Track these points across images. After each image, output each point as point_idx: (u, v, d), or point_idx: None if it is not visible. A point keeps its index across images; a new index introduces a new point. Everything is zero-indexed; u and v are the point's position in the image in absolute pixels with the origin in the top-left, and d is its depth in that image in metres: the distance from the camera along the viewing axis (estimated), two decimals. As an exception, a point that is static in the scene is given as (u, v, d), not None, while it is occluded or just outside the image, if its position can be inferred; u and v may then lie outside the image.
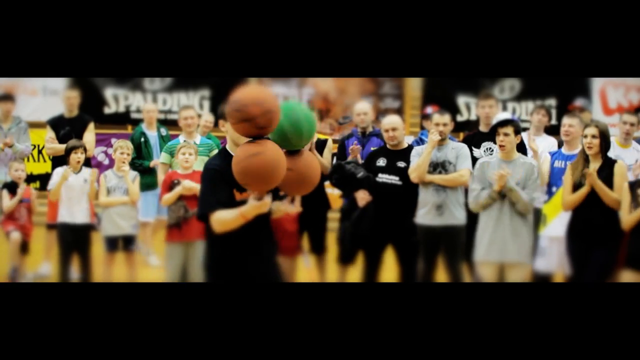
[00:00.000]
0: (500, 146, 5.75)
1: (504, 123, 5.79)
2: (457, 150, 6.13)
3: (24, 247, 7.22)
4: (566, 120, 6.36)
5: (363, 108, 6.98)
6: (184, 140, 6.88)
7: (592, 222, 5.52)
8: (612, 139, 5.96)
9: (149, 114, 8.66)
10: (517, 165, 5.65)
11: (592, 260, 5.47)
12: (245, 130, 3.79)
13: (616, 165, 5.56)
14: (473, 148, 6.51)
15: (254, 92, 3.81)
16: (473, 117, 12.59)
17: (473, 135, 6.89)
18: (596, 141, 5.56)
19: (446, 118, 6.22)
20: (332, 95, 12.66)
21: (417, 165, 6.04)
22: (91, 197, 6.74)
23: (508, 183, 5.53)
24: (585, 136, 5.63)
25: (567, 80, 11.63)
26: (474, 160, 6.18)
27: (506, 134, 5.69)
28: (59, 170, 6.77)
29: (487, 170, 5.73)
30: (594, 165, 5.57)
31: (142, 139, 8.36)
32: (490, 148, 6.46)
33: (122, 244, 6.72)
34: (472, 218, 5.93)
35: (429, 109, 8.15)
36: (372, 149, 6.72)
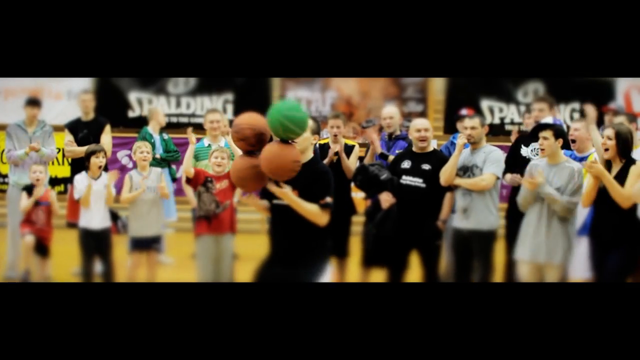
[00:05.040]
0: (541, 150, 5.83)
1: (542, 127, 5.84)
2: (487, 154, 6.15)
3: (43, 250, 7.23)
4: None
5: (390, 112, 7.02)
6: (217, 145, 6.87)
7: (609, 222, 5.49)
8: None
9: (165, 118, 8.86)
10: (562, 170, 5.68)
11: (609, 260, 5.44)
12: (241, 146, 4.80)
13: (632, 166, 5.50)
14: (522, 146, 6.63)
15: (249, 117, 4.78)
16: (496, 121, 12.55)
17: (526, 135, 6.91)
18: (611, 143, 5.52)
19: (475, 122, 6.23)
20: (356, 98, 12.65)
21: (444, 168, 6.11)
22: (108, 202, 6.75)
23: (543, 189, 5.56)
24: (603, 137, 5.62)
25: (592, 83, 11.56)
26: (521, 158, 6.33)
27: (545, 138, 5.74)
28: (79, 178, 6.78)
29: (534, 172, 5.77)
30: (615, 167, 5.53)
31: (152, 140, 8.53)
32: (537, 148, 6.49)
33: (148, 244, 6.76)
34: (516, 219, 5.99)
35: (463, 111, 8.11)
36: (397, 151, 6.74)
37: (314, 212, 4.75)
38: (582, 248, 5.92)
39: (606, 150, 5.55)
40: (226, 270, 6.14)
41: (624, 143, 5.51)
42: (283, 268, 4.78)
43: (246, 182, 4.82)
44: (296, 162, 4.62)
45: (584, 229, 5.99)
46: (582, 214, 5.96)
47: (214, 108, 11.00)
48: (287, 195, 4.68)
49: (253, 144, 4.72)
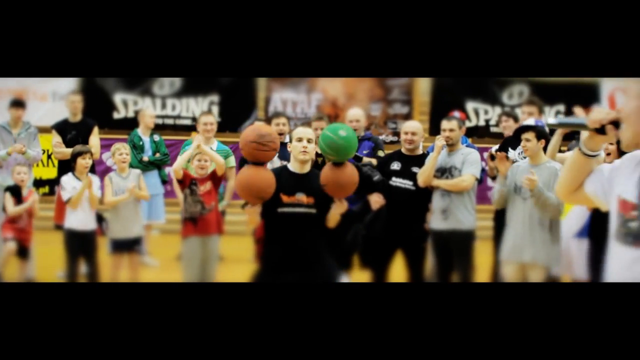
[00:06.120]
0: (524, 150, 5.85)
1: (525, 129, 5.89)
2: (465, 155, 6.17)
3: (23, 253, 7.15)
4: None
5: (355, 115, 6.97)
6: (209, 147, 6.77)
7: (607, 222, 5.51)
8: None
9: (153, 119, 8.95)
10: (543, 170, 5.71)
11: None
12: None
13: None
14: (509, 149, 6.65)
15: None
16: (482, 123, 12.62)
17: (514, 137, 6.97)
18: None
19: (453, 124, 6.27)
20: (341, 100, 12.67)
21: (422, 170, 6.12)
22: (92, 204, 6.71)
23: (539, 190, 5.58)
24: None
25: (576, 86, 11.64)
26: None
27: (528, 140, 5.77)
28: (66, 180, 6.74)
29: (515, 172, 5.81)
30: None
31: (141, 143, 8.57)
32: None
33: (129, 246, 6.75)
34: (503, 221, 6.01)
35: (456, 114, 8.17)
36: (364, 152, 6.72)
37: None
38: (583, 251, 5.93)
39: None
40: (211, 272, 6.16)
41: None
42: (293, 274, 4.77)
43: (259, 193, 4.68)
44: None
45: (584, 231, 6.00)
46: (583, 217, 5.97)
47: (208, 110, 11.06)
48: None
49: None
